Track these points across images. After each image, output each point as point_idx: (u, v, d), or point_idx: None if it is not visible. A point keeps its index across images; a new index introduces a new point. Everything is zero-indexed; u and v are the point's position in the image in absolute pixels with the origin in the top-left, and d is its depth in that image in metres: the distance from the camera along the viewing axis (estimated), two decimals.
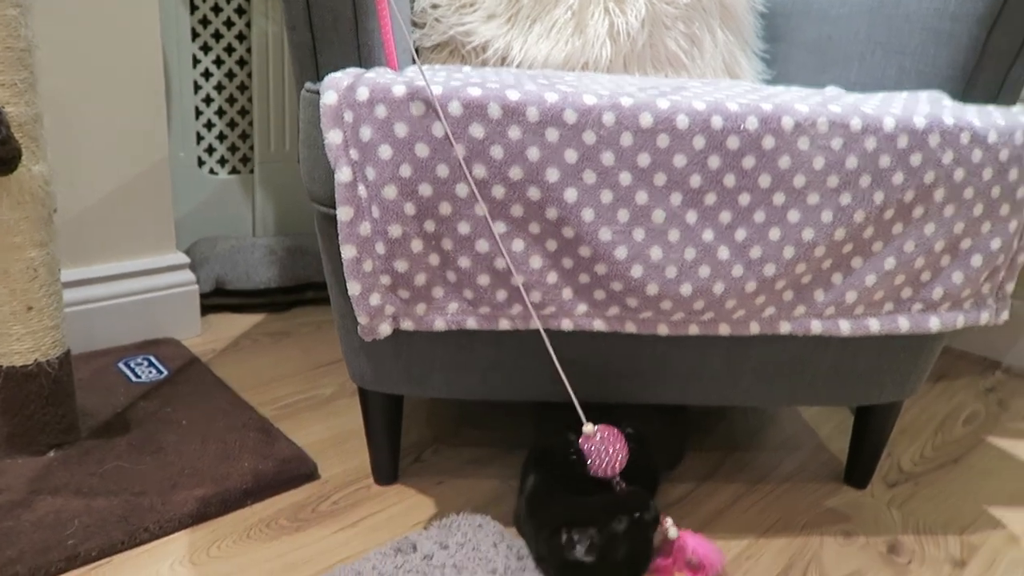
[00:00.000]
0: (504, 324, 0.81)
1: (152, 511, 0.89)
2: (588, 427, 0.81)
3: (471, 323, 0.80)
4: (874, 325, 0.84)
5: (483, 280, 0.77)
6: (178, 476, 0.96)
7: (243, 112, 1.62)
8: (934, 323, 0.85)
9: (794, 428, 1.21)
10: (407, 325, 0.80)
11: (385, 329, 0.79)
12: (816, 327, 0.83)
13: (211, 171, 1.61)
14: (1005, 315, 0.88)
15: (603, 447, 0.80)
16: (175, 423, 1.08)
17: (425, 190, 0.72)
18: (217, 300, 1.52)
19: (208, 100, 1.56)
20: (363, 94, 0.71)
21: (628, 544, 0.79)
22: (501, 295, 0.78)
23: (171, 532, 0.89)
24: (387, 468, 1.00)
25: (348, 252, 0.74)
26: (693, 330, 0.81)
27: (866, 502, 1.03)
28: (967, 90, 0.96)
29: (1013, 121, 0.80)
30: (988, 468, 1.13)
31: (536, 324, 0.79)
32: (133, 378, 1.20)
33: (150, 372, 1.23)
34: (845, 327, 0.83)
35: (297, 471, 0.99)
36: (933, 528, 0.98)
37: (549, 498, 0.86)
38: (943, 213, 0.80)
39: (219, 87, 1.57)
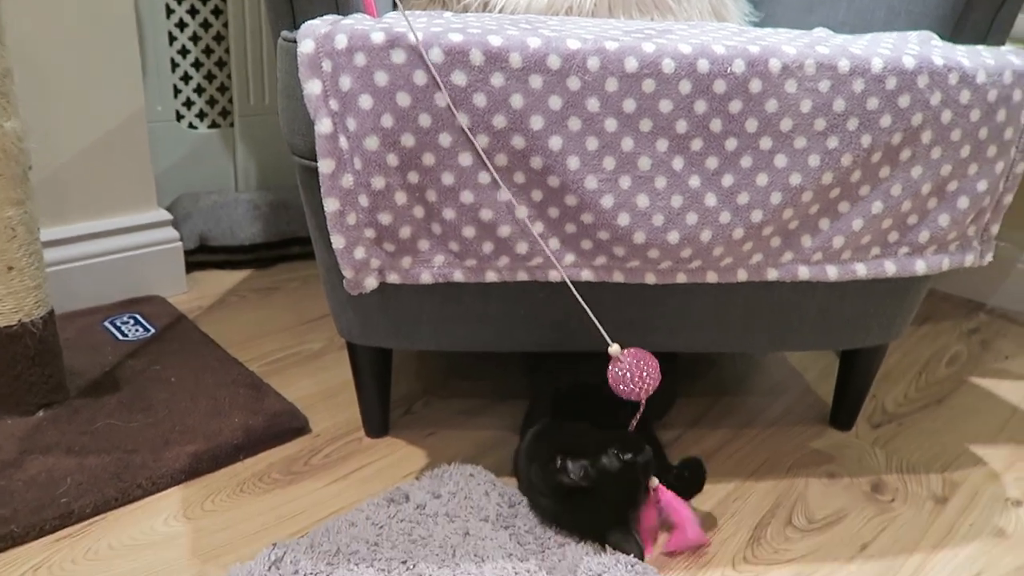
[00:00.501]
0: (491, 276, 0.80)
1: (144, 468, 0.90)
2: (614, 348, 0.78)
3: (457, 276, 0.80)
4: (861, 269, 0.84)
5: (468, 232, 0.77)
6: (169, 433, 0.96)
7: (221, 64, 1.58)
8: (920, 266, 0.85)
9: (781, 373, 1.22)
10: (393, 278, 0.79)
11: (371, 283, 0.79)
12: (803, 273, 0.83)
13: (190, 125, 1.58)
14: (990, 257, 0.89)
15: (634, 369, 0.78)
16: (164, 380, 1.08)
17: (408, 140, 0.71)
18: (201, 257, 1.50)
19: (184, 52, 1.52)
20: (341, 42, 0.69)
21: (617, 482, 0.80)
22: (487, 247, 0.77)
23: (164, 488, 0.89)
24: (378, 421, 1.00)
25: (331, 205, 0.73)
26: (681, 278, 0.81)
27: (851, 443, 1.05)
28: (956, 30, 0.94)
29: (1002, 61, 0.79)
30: (970, 408, 1.15)
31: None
32: (120, 336, 1.20)
33: (137, 330, 1.22)
34: (832, 272, 0.83)
35: (288, 425, 1.00)
36: (916, 467, 1.00)
37: (548, 434, 0.87)
38: (930, 155, 0.79)
39: (195, 38, 1.53)
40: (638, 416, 0.82)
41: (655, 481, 0.83)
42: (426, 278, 0.80)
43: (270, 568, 0.76)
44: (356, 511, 0.85)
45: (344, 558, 0.78)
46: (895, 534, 0.88)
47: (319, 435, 1.01)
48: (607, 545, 0.81)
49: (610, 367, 0.79)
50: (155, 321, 1.25)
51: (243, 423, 0.98)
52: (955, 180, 0.81)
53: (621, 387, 0.78)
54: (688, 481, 0.86)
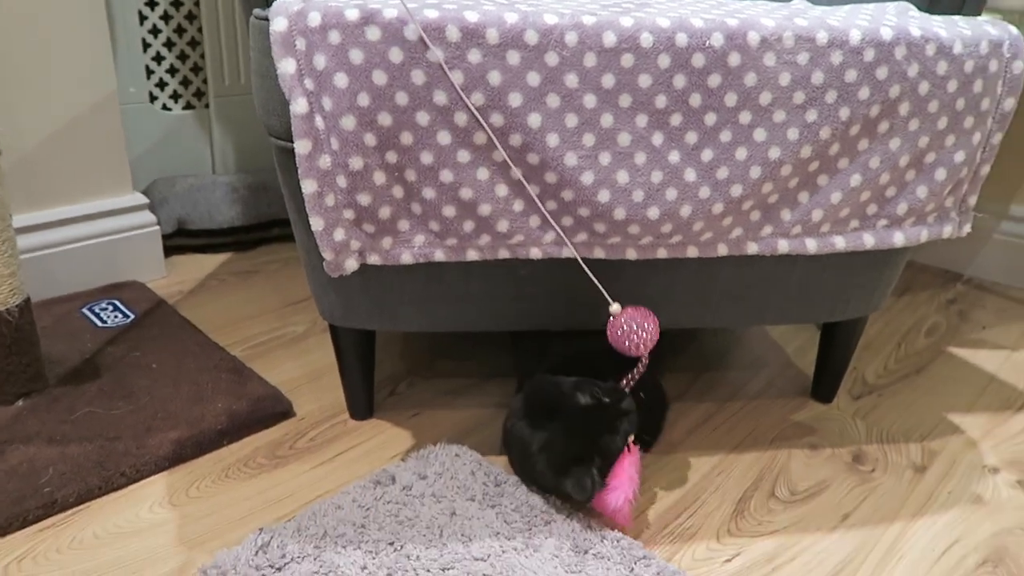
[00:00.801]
0: (472, 255, 0.80)
1: (127, 455, 0.89)
2: (614, 307, 0.80)
3: (439, 255, 0.79)
4: (840, 242, 0.84)
5: (449, 211, 0.76)
6: (152, 420, 0.95)
7: (193, 43, 1.55)
8: (898, 238, 0.86)
9: (762, 346, 1.23)
10: (374, 260, 0.79)
11: (351, 264, 0.78)
12: (783, 246, 0.83)
13: (164, 107, 1.55)
14: (968, 228, 0.89)
15: (633, 325, 0.79)
16: (145, 367, 1.07)
17: (385, 119, 0.70)
18: (180, 241, 1.48)
19: (155, 31, 1.49)
20: (315, 19, 0.68)
21: (587, 419, 0.80)
22: (468, 226, 0.77)
23: (148, 475, 0.89)
24: (362, 403, 1.00)
25: (308, 187, 0.72)
26: (661, 253, 0.81)
27: (832, 415, 1.06)
28: (933, 1, 0.94)
29: (978, 31, 0.79)
30: (948, 377, 1.17)
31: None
32: (99, 323, 1.18)
33: (116, 316, 1.21)
34: (812, 245, 0.84)
35: (272, 409, 0.99)
36: (896, 437, 1.02)
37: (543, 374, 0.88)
38: (908, 127, 0.79)
39: (166, 17, 1.50)
40: (639, 370, 0.83)
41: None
42: (407, 258, 0.79)
43: (257, 553, 0.76)
44: (342, 494, 0.85)
45: (331, 541, 0.78)
46: (876, 503, 0.89)
47: (304, 418, 1.00)
48: (568, 481, 0.80)
49: (609, 325, 0.80)
50: (134, 307, 1.24)
51: (226, 408, 0.98)
52: (933, 151, 0.82)
53: (623, 343, 0.80)
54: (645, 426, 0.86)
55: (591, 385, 0.82)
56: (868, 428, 1.03)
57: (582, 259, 0.80)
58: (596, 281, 0.80)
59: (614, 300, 0.80)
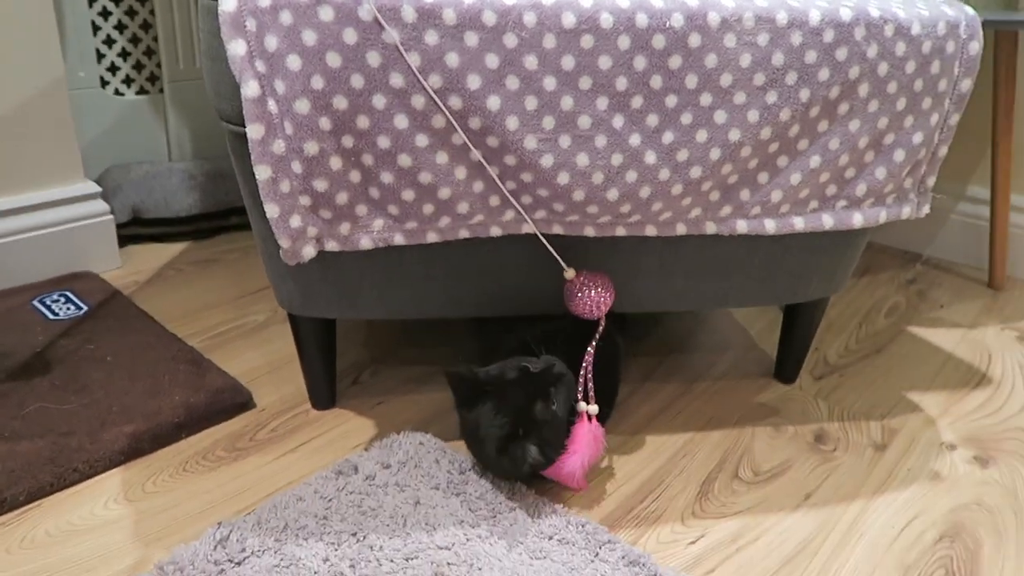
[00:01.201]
0: (432, 237, 0.79)
1: (81, 451, 0.87)
2: (569, 272, 0.82)
3: (398, 239, 0.78)
4: (799, 223, 0.85)
5: (408, 195, 0.75)
6: (106, 414, 0.93)
7: (146, 26, 1.50)
8: (857, 219, 0.86)
9: (726, 329, 1.24)
10: (332, 246, 0.77)
11: (309, 252, 0.76)
12: (742, 227, 0.83)
13: (117, 92, 1.50)
14: (926, 209, 0.90)
15: (587, 289, 0.82)
16: (99, 360, 1.04)
17: (340, 103, 0.68)
18: (135, 230, 1.45)
19: (105, 13, 1.45)
20: None
21: (515, 389, 0.79)
22: (428, 208, 0.76)
23: (103, 471, 0.86)
24: (324, 392, 0.98)
25: (262, 173, 0.71)
26: (620, 232, 0.81)
27: (795, 395, 1.07)
28: None
29: (936, 12, 0.79)
30: (907, 356, 1.19)
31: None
32: (50, 315, 1.15)
33: (68, 308, 1.17)
34: (770, 225, 0.84)
35: (231, 401, 0.97)
36: (856, 416, 1.03)
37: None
38: (867, 108, 0.79)
39: None
40: (599, 333, 0.85)
41: (590, 408, 0.82)
42: (366, 243, 0.77)
43: (216, 547, 0.74)
44: (304, 485, 0.83)
45: (292, 533, 0.77)
46: (837, 482, 0.90)
47: (264, 409, 0.99)
48: (504, 459, 0.80)
49: (565, 290, 0.83)
50: (88, 298, 1.20)
51: (184, 400, 0.95)
52: (891, 133, 0.82)
53: (579, 307, 0.82)
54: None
55: (517, 360, 0.81)
56: (830, 408, 1.05)
57: (540, 233, 0.80)
58: (552, 250, 0.80)
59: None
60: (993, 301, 1.39)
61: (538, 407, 0.79)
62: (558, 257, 0.81)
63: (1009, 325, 1.30)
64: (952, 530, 0.84)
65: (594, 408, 0.82)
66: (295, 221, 0.74)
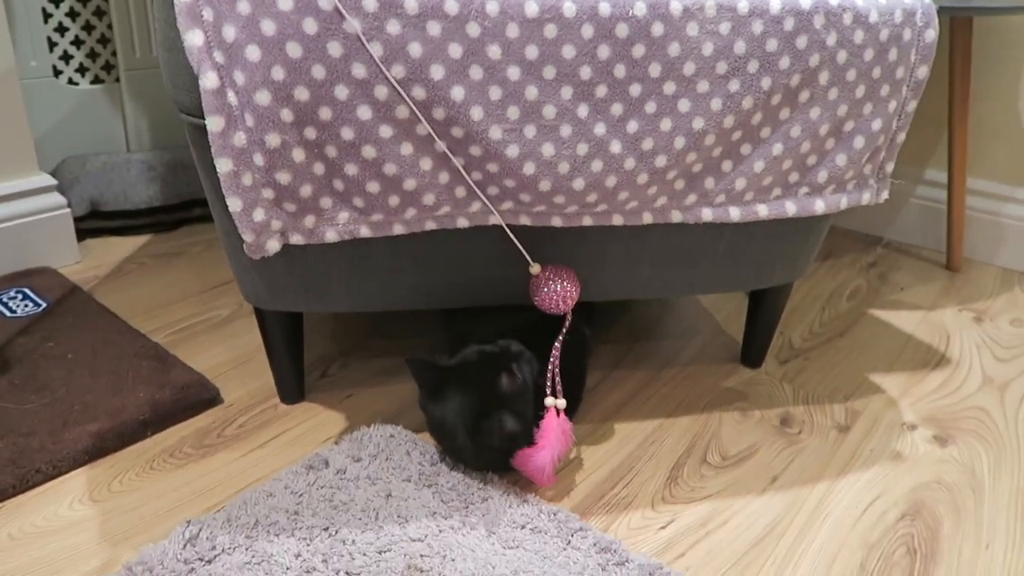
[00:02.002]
0: (398, 229, 0.78)
1: (43, 451, 0.85)
2: (535, 267, 0.83)
3: (364, 231, 0.77)
4: (763, 210, 0.86)
5: (373, 187, 0.74)
6: (68, 413, 0.91)
7: (99, 13, 1.46)
8: (819, 205, 0.87)
9: (693, 315, 1.25)
10: (296, 239, 0.76)
11: (273, 245, 0.75)
12: (707, 215, 0.84)
13: (71, 81, 1.46)
14: (885, 194, 0.92)
15: (553, 283, 0.82)
16: (60, 358, 1.02)
17: (301, 94, 0.67)
18: (94, 223, 1.41)
19: (56, 0, 1.40)
20: None
21: (479, 375, 0.81)
22: (393, 200, 0.75)
23: (67, 471, 0.85)
24: (292, 386, 0.97)
25: (223, 166, 0.69)
26: (587, 221, 0.81)
27: (761, 380, 1.09)
28: None
29: (893, 1, 0.80)
30: (869, 339, 1.21)
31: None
32: (8, 313, 1.12)
33: (26, 305, 1.14)
34: (735, 214, 0.85)
35: (198, 397, 0.96)
36: (820, 398, 1.05)
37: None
38: (828, 96, 0.80)
39: None
40: (566, 327, 0.85)
41: (558, 402, 0.83)
42: (331, 236, 0.77)
43: (185, 546, 0.73)
44: (274, 481, 0.83)
45: (263, 530, 0.76)
46: (803, 464, 0.92)
47: (232, 405, 0.98)
48: (480, 436, 0.81)
49: (531, 285, 0.83)
50: (46, 294, 1.18)
51: (149, 397, 0.94)
52: (851, 120, 0.83)
53: (545, 302, 0.83)
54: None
55: (475, 347, 0.83)
56: (795, 391, 1.06)
57: (507, 226, 0.79)
58: (518, 244, 0.80)
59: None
60: (951, 283, 1.42)
61: (503, 380, 0.80)
62: (524, 252, 0.81)
63: (966, 306, 1.33)
64: (913, 508, 0.86)
65: (562, 403, 0.83)
66: (258, 215, 0.73)
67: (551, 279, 0.83)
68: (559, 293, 0.82)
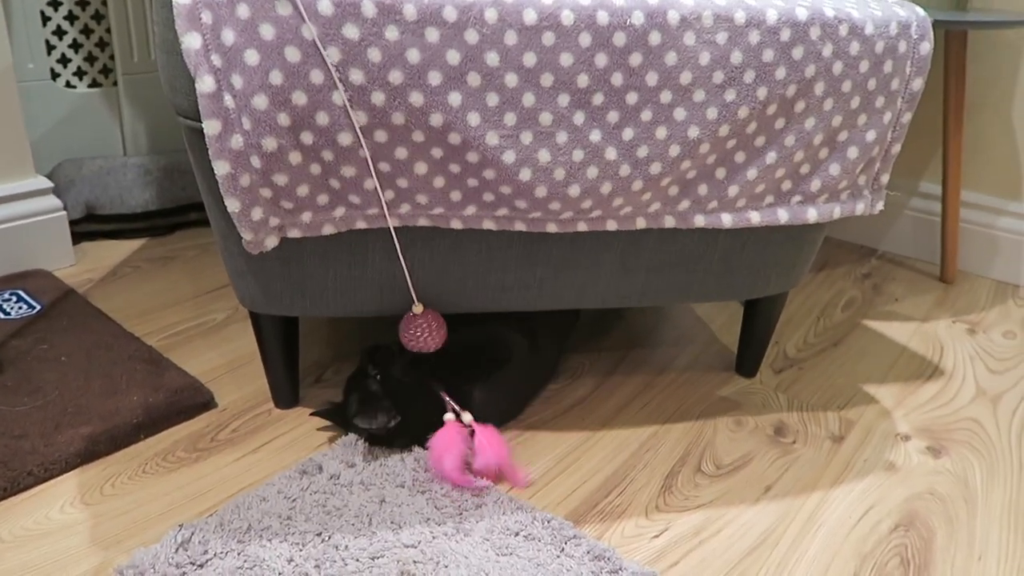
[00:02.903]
0: (394, 222, 0.79)
1: (34, 453, 0.84)
2: (417, 307, 0.86)
3: (360, 224, 0.78)
4: (755, 217, 0.86)
5: (369, 184, 0.74)
6: (61, 415, 0.91)
7: (98, 16, 1.46)
8: (812, 214, 0.88)
9: (688, 324, 1.25)
10: (294, 233, 0.77)
11: (272, 241, 0.76)
12: (699, 221, 0.84)
13: (68, 84, 1.46)
14: (880, 205, 0.92)
15: (421, 332, 0.86)
16: (53, 360, 1.01)
17: (299, 99, 0.68)
18: (90, 226, 1.41)
19: (55, 3, 1.41)
20: None
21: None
22: (389, 195, 0.76)
23: (58, 474, 0.84)
24: (286, 391, 0.97)
25: (221, 168, 0.69)
26: (581, 227, 0.82)
27: (755, 389, 1.09)
28: None
29: (888, 12, 0.81)
30: (864, 349, 1.22)
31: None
32: (1, 315, 1.12)
33: (20, 308, 1.14)
34: (727, 220, 0.85)
35: (191, 401, 0.96)
36: (815, 408, 1.05)
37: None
38: (823, 107, 0.81)
39: None
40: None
41: (465, 417, 0.89)
42: (328, 229, 0.78)
43: (177, 550, 0.73)
44: (267, 485, 0.82)
45: (256, 534, 0.76)
46: (796, 474, 0.92)
47: (225, 409, 0.97)
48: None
49: (405, 319, 0.87)
50: (41, 297, 1.17)
51: (142, 401, 0.94)
52: (845, 131, 0.84)
53: (406, 338, 0.87)
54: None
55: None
56: (789, 400, 1.07)
57: (504, 243, 0.80)
58: (409, 280, 0.85)
59: (419, 301, 0.87)
60: (945, 295, 1.43)
61: (359, 420, 0.86)
62: (412, 290, 0.86)
63: (960, 318, 1.34)
64: (907, 519, 0.86)
65: (466, 416, 0.89)
66: (257, 214, 0.73)
67: (422, 326, 0.86)
68: (421, 338, 0.86)
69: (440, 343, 0.87)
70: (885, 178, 0.91)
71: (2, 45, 1.18)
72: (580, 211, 0.79)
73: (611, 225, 0.82)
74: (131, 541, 0.76)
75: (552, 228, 0.81)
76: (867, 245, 1.63)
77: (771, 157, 0.82)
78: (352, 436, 0.91)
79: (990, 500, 0.89)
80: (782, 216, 0.87)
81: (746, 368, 1.11)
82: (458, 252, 0.86)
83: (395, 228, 0.80)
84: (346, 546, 0.75)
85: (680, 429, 0.99)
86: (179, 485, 0.84)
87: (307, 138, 0.70)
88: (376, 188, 0.74)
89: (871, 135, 0.85)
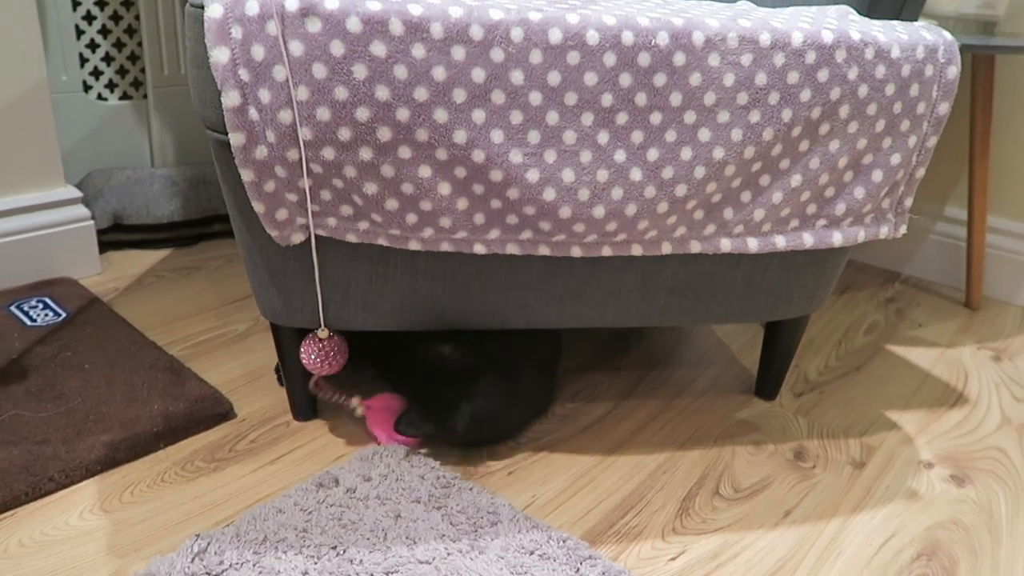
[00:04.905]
0: (414, 245, 0.79)
1: (56, 459, 0.85)
2: (323, 332, 0.88)
3: (381, 241, 0.79)
4: (780, 241, 0.85)
5: (391, 205, 0.75)
6: (83, 422, 0.91)
7: (130, 31, 1.49)
8: (837, 238, 0.87)
9: (707, 345, 1.24)
10: (320, 232, 0.79)
11: (298, 237, 0.78)
12: (726, 245, 0.84)
13: (99, 97, 1.49)
14: (903, 229, 0.91)
15: (323, 357, 0.89)
16: (77, 367, 1.03)
17: (323, 114, 0.68)
18: (116, 236, 1.43)
19: (89, 17, 1.44)
20: (252, 8, 0.66)
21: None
22: (411, 219, 0.76)
23: (79, 480, 0.85)
24: (305, 403, 0.98)
25: (247, 176, 0.71)
26: (606, 251, 0.81)
27: (775, 412, 1.08)
28: (873, 4, 0.96)
29: (915, 36, 0.81)
30: (886, 375, 1.20)
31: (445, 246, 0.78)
32: (28, 322, 1.13)
33: (46, 315, 1.16)
34: (753, 244, 0.84)
35: (211, 411, 0.96)
36: (835, 433, 1.04)
37: None
38: (847, 130, 0.81)
39: (101, 3, 1.44)
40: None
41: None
42: (352, 238, 0.79)
43: (193, 560, 0.73)
44: (284, 497, 0.83)
45: (271, 546, 0.76)
46: (816, 499, 0.91)
47: (244, 420, 0.98)
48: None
49: (305, 345, 0.88)
50: (66, 304, 1.19)
51: (163, 409, 0.95)
52: (870, 154, 0.83)
53: (308, 363, 0.89)
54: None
55: None
56: (810, 425, 1.05)
57: (525, 259, 0.81)
58: (320, 300, 0.86)
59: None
60: (970, 321, 1.41)
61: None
62: (322, 313, 0.87)
63: (985, 345, 1.32)
64: (929, 548, 0.84)
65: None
66: (282, 214, 0.75)
67: (324, 350, 0.88)
68: (316, 365, 0.88)
69: (337, 370, 0.90)
70: (909, 201, 0.90)
71: (37, 58, 1.21)
72: (605, 234, 0.78)
73: (636, 250, 0.82)
74: (148, 549, 0.77)
75: (576, 252, 0.81)
76: (891, 269, 1.62)
77: (796, 180, 0.81)
78: (369, 449, 0.91)
79: (1015, 531, 0.88)
80: (807, 240, 0.86)
81: (766, 391, 1.10)
82: (479, 268, 0.86)
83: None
84: (361, 560, 0.75)
85: (698, 451, 0.98)
86: (197, 495, 0.85)
87: (328, 154, 0.71)
88: (397, 208, 0.75)
89: (896, 158, 0.84)
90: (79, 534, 0.78)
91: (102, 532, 0.79)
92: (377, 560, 0.75)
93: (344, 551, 0.76)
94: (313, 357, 0.88)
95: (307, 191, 0.73)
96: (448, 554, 0.77)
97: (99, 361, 1.04)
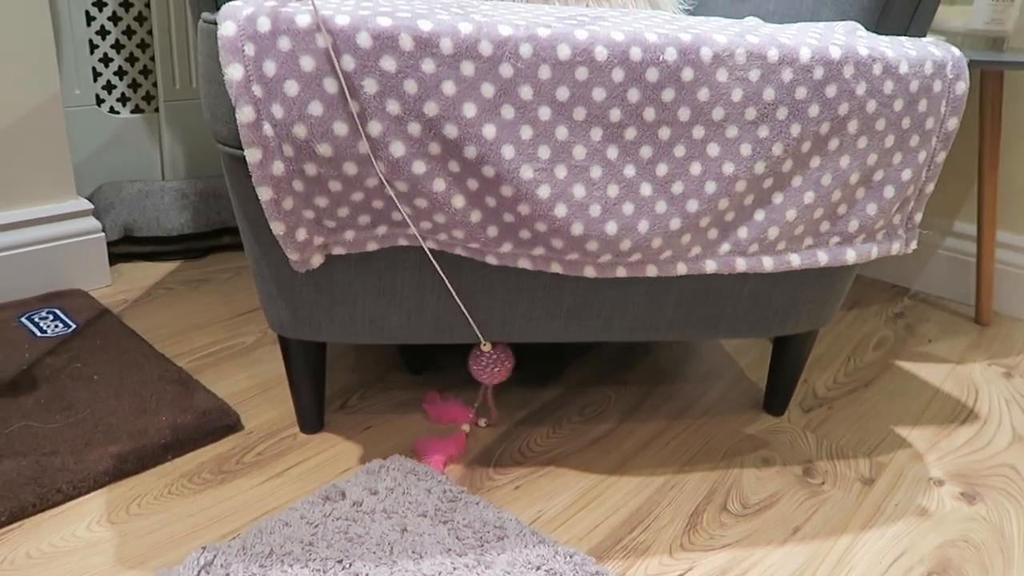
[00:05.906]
0: (431, 245, 0.80)
1: (64, 470, 0.86)
2: (486, 346, 0.93)
3: (401, 242, 0.80)
4: (795, 260, 0.85)
5: (408, 210, 0.76)
6: (91, 433, 0.92)
7: (143, 45, 1.51)
8: (850, 255, 0.87)
9: (715, 360, 1.24)
10: (338, 251, 0.79)
11: (317, 260, 0.78)
12: (741, 264, 0.84)
13: (112, 110, 1.51)
14: (914, 244, 0.91)
15: (492, 367, 0.94)
16: (86, 378, 1.03)
17: (340, 129, 0.69)
18: (126, 248, 1.44)
19: (103, 32, 1.45)
20: (264, 25, 0.67)
21: None
22: (426, 225, 0.77)
23: (86, 492, 0.85)
24: (312, 416, 0.98)
25: (265, 194, 0.71)
26: (621, 272, 0.81)
27: (783, 428, 1.07)
28: (881, 20, 0.96)
29: (923, 52, 0.81)
30: (896, 390, 1.19)
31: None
32: (38, 333, 1.14)
33: (56, 326, 1.16)
34: (768, 263, 0.84)
35: (219, 423, 0.97)
36: (844, 449, 1.03)
37: None
38: (857, 145, 0.81)
39: (114, 18, 1.46)
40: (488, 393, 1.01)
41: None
42: (372, 247, 0.79)
43: (199, 572, 0.73)
44: (290, 510, 0.82)
45: (278, 559, 0.76)
46: (825, 516, 0.90)
47: (252, 432, 0.98)
48: None
49: (474, 354, 0.94)
50: (76, 316, 1.20)
51: (171, 421, 0.95)
52: (881, 170, 0.83)
53: (478, 372, 0.94)
54: None
55: None
56: (818, 441, 1.05)
57: (533, 272, 0.81)
58: (470, 318, 0.87)
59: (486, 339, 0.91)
60: (980, 337, 1.40)
61: None
62: (475, 328, 0.88)
63: (996, 361, 1.31)
64: (939, 567, 0.84)
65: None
66: (301, 234, 0.75)
67: (494, 362, 0.94)
68: (491, 374, 0.94)
69: (502, 379, 0.95)
70: (918, 217, 0.90)
71: (51, 73, 1.22)
72: (619, 254, 0.78)
73: (651, 271, 0.81)
74: (155, 561, 0.77)
75: (590, 272, 0.81)
76: (900, 284, 1.61)
77: (808, 196, 0.81)
78: (376, 463, 0.91)
79: None
80: (822, 258, 0.86)
81: (774, 406, 1.10)
82: (486, 281, 0.86)
83: (431, 256, 0.81)
84: (367, 574, 0.75)
85: (706, 467, 0.97)
86: (204, 507, 0.85)
87: (349, 168, 0.71)
88: (413, 214, 0.76)
89: (907, 174, 0.84)
90: (86, 545, 0.78)
91: (109, 544, 0.79)
92: (383, 574, 0.75)
93: (350, 565, 0.76)
94: (484, 365, 0.94)
95: (324, 207, 0.74)
96: (454, 569, 0.76)
97: (108, 372, 1.05)
